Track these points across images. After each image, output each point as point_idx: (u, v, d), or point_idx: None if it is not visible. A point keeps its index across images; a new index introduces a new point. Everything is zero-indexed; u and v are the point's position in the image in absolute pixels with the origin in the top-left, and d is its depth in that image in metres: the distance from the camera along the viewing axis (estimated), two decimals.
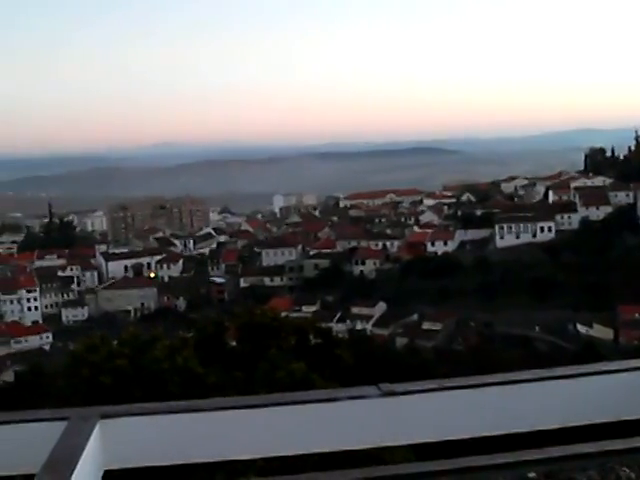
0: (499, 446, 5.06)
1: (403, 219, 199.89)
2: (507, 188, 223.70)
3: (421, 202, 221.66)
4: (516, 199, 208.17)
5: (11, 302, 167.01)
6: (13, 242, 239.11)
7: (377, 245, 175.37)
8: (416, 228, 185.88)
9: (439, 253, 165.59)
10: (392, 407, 4.61)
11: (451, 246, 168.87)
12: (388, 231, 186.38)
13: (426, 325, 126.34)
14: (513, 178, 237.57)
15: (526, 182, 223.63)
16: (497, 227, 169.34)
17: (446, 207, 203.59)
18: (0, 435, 4.50)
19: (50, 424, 4.38)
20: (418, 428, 4.69)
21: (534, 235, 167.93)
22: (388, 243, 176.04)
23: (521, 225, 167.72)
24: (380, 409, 4.62)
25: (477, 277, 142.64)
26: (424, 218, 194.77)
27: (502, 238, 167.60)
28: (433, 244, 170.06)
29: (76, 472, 3.79)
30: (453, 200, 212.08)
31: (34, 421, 4.55)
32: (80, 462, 3.90)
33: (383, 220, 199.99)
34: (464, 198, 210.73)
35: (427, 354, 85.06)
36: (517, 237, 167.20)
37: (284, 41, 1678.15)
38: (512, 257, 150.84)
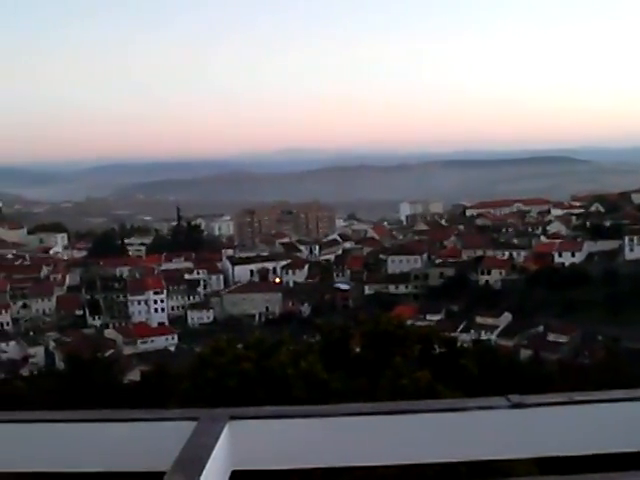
0: (630, 464, 4.94)
1: (530, 229, 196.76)
2: (638, 199, 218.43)
3: (549, 212, 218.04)
4: None
5: (139, 303, 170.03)
6: (142, 244, 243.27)
7: (503, 255, 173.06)
8: (543, 238, 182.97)
9: (566, 264, 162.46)
10: (521, 419, 4.53)
11: (579, 257, 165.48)
12: (515, 241, 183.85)
13: (551, 337, 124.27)
14: None
15: None
16: (627, 238, 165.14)
17: (574, 217, 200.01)
18: (131, 432, 4.61)
19: (180, 423, 4.45)
20: (546, 441, 4.58)
21: None
22: (514, 253, 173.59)
23: None
24: (509, 420, 4.53)
25: (605, 289, 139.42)
26: (552, 228, 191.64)
27: (632, 250, 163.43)
28: (560, 255, 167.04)
29: (205, 471, 3.85)
30: (582, 210, 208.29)
31: (165, 420, 4.64)
32: (209, 462, 3.95)
33: (510, 230, 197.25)
34: (593, 209, 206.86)
35: (552, 366, 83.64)
36: None
37: (412, 47, 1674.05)
38: None
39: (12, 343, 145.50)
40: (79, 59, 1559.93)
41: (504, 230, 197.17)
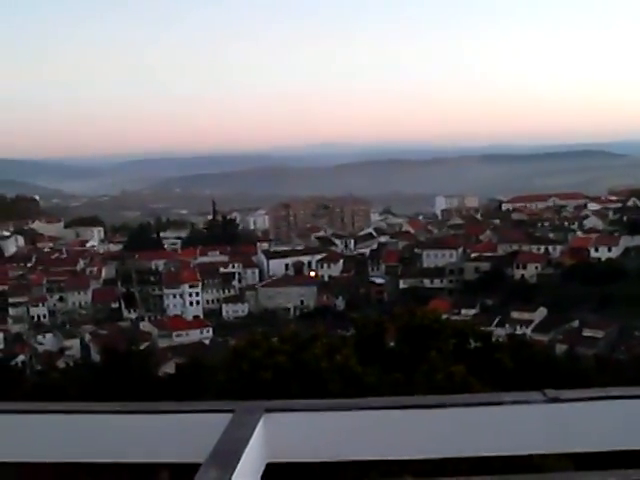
0: None
1: (566, 223, 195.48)
2: None
3: (585, 207, 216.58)
4: None
5: (174, 296, 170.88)
6: (177, 238, 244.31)
7: (539, 249, 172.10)
8: (579, 233, 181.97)
9: (603, 259, 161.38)
10: (557, 414, 4.51)
11: (615, 252, 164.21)
12: (551, 235, 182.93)
13: (587, 332, 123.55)
14: None
15: None
16: None
17: (611, 212, 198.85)
18: (167, 424, 4.66)
19: (216, 415, 4.49)
20: (583, 437, 4.55)
21: None
22: (550, 247, 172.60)
23: None
24: (545, 415, 4.52)
25: None
26: (588, 223, 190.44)
27: None
28: (597, 250, 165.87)
29: (241, 463, 3.88)
30: (619, 205, 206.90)
31: (201, 412, 4.68)
32: (244, 454, 3.99)
33: (546, 224, 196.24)
34: (630, 203, 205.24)
35: (588, 362, 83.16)
36: None
37: (447, 40, 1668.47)
38: None
39: (49, 335, 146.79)
40: (112, 56, 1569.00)
41: (540, 225, 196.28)
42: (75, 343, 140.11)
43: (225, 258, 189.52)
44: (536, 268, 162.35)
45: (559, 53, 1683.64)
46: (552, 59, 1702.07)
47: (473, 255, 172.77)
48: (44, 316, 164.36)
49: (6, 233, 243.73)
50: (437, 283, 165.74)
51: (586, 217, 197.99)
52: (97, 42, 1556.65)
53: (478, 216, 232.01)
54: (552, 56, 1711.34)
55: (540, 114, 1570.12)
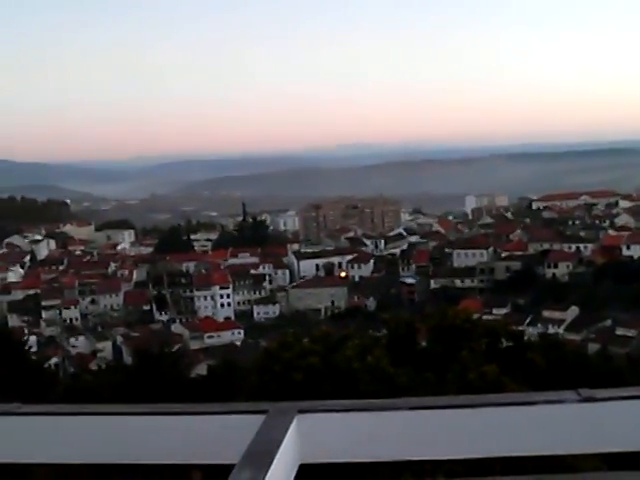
0: None
1: (598, 222, 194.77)
2: None
3: (617, 204, 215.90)
4: None
5: (205, 298, 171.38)
6: (208, 240, 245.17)
7: (570, 248, 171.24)
8: (611, 231, 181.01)
9: (635, 257, 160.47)
10: (591, 413, 4.46)
11: None
12: (582, 234, 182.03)
13: (620, 331, 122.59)
14: None
15: None
16: None
17: None
18: (200, 425, 4.66)
19: (249, 416, 4.49)
20: (617, 436, 4.50)
21: None
22: (582, 246, 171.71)
23: None
24: (579, 415, 4.47)
25: None
26: (619, 221, 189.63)
27: None
28: (629, 248, 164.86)
29: (274, 464, 3.88)
30: None
31: (233, 413, 4.69)
32: (278, 455, 3.98)
33: (577, 222, 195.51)
34: None
35: (621, 361, 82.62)
36: None
37: (477, 40, 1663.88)
38: None
39: (81, 338, 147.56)
40: (139, 58, 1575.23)
41: (571, 223, 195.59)
42: (107, 345, 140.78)
43: (256, 259, 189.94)
44: (567, 267, 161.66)
45: (587, 50, 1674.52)
46: (580, 56, 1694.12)
47: (504, 254, 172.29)
48: (76, 319, 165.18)
49: (38, 237, 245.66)
50: (468, 283, 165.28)
51: (617, 215, 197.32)
52: (124, 44, 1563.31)
53: (508, 215, 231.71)
54: (580, 53, 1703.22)
55: (568, 112, 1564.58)
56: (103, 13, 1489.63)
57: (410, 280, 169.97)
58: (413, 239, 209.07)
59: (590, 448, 4.87)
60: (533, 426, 4.52)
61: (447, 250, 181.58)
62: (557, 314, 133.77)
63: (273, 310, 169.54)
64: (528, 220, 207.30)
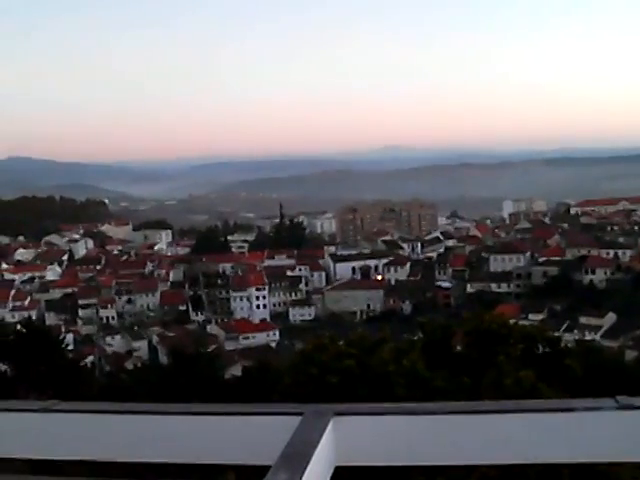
0: None
1: (636, 228, 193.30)
2: None
3: None
4: None
5: (241, 299, 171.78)
6: (244, 241, 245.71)
7: (608, 254, 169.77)
8: None
9: None
10: (629, 421, 4.42)
11: None
12: (620, 240, 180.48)
13: None
14: None
15: None
16: None
17: None
18: (236, 426, 4.67)
19: (285, 418, 4.49)
20: None
21: None
22: (620, 252, 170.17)
23: None
24: (617, 422, 4.43)
25: None
26: None
27: None
28: None
29: (310, 466, 3.87)
30: None
31: (270, 414, 4.69)
32: (314, 457, 3.98)
33: (615, 228, 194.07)
34: None
35: None
36: None
37: (514, 44, 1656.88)
38: None
39: (117, 337, 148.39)
40: (175, 58, 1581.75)
41: (609, 229, 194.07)
42: (143, 345, 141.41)
43: (292, 261, 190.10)
44: (605, 273, 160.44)
45: (626, 56, 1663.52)
46: (617, 61, 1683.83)
47: (541, 259, 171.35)
48: (113, 318, 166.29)
49: (76, 236, 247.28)
50: (504, 287, 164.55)
51: None
52: (167, 44, 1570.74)
53: (546, 220, 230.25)
54: (617, 60, 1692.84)
55: (606, 117, 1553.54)
56: (154, 14, 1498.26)
57: (446, 284, 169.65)
58: (450, 243, 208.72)
59: (628, 456, 4.82)
60: (571, 433, 4.49)
61: (484, 254, 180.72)
62: (594, 320, 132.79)
63: (309, 312, 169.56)
64: (566, 225, 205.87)
